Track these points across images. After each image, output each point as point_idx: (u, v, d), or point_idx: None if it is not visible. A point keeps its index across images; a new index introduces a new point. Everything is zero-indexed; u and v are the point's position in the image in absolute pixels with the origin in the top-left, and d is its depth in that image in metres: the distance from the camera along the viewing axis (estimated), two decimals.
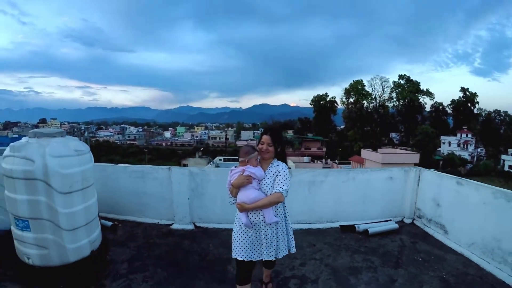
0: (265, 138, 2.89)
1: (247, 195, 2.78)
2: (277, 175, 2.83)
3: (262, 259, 2.93)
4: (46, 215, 3.40)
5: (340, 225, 5.45)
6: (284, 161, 2.98)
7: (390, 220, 5.57)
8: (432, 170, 5.66)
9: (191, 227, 5.37)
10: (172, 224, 5.44)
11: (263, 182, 2.84)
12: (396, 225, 5.38)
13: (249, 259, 2.87)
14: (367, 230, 5.13)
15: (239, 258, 2.88)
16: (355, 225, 5.28)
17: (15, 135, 60.48)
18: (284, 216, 3.04)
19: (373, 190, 5.69)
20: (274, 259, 2.90)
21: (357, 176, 5.68)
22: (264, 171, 2.88)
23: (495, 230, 4.09)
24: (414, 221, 5.72)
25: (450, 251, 4.60)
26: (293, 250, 3.10)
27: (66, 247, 3.54)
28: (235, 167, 2.96)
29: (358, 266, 4.15)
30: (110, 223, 5.19)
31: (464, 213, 4.65)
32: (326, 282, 3.74)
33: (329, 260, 4.32)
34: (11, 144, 3.54)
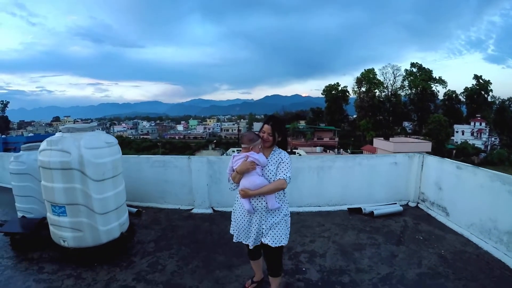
0: (266, 127, 2.92)
1: (251, 181, 2.82)
2: (280, 162, 2.89)
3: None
4: (82, 201, 3.83)
5: (347, 208, 5.83)
6: (285, 149, 3.05)
7: (395, 204, 5.90)
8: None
9: (209, 211, 5.81)
10: (192, 209, 5.89)
11: (266, 169, 2.89)
12: (401, 208, 5.72)
13: (253, 244, 2.95)
14: (372, 212, 5.49)
15: (244, 242, 3.03)
16: (362, 208, 5.64)
17: (31, 134, 61.85)
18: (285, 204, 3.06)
19: (379, 175, 6.03)
20: (274, 245, 2.88)
21: (363, 161, 6.03)
22: (266, 158, 2.93)
23: (492, 211, 4.36)
24: (419, 205, 6.04)
25: (450, 232, 4.91)
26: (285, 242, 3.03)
27: (99, 229, 3.98)
28: (238, 153, 2.99)
29: (363, 243, 4.53)
30: (134, 209, 5.65)
31: (464, 195, 4.95)
32: (333, 256, 4.13)
33: (337, 238, 4.71)
34: (47, 139, 3.99)
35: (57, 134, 4.05)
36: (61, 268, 3.94)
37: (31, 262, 4.15)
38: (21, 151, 5.14)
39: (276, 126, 2.92)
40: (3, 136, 45.13)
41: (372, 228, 5.06)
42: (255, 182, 2.80)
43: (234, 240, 3.08)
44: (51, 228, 4.12)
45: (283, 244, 2.93)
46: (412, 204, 6.07)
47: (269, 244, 2.88)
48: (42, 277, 3.77)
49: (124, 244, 4.37)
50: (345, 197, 6.00)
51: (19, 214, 5.08)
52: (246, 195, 2.83)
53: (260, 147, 2.93)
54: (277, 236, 2.89)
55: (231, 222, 3.13)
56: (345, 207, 5.87)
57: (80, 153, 3.72)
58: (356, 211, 5.70)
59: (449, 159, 5.46)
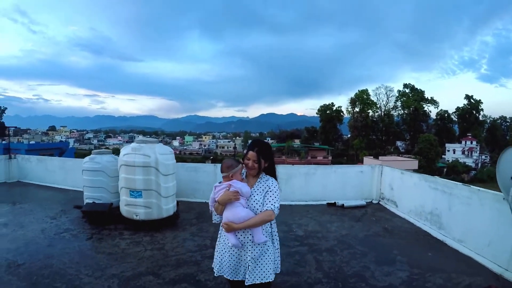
0: (251, 154, 2.66)
1: (235, 213, 2.57)
2: (267, 191, 2.66)
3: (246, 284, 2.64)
4: (154, 187, 5.96)
5: (326, 202, 8.09)
6: (274, 175, 2.80)
7: (362, 200, 8.15)
8: (388, 166, 8.23)
9: None
10: None
11: (252, 198, 2.64)
12: (364, 202, 8.03)
13: (235, 279, 2.70)
14: (343, 205, 7.78)
15: (225, 276, 2.72)
16: (336, 202, 7.91)
17: (32, 142, 63.15)
18: (271, 234, 2.79)
19: (349, 180, 8.35)
20: (260, 281, 2.61)
21: (337, 170, 8.39)
22: (252, 186, 2.69)
23: (421, 200, 6.56)
24: (380, 202, 8.29)
25: (396, 216, 7.16)
26: (278, 270, 2.85)
27: (163, 208, 6.10)
28: (219, 182, 2.77)
29: (333, 220, 6.81)
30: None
31: (405, 192, 7.23)
32: (312, 225, 6.42)
33: (316, 217, 6.98)
34: (131, 146, 6.16)
35: (134, 145, 6.18)
36: (137, 232, 5.93)
37: (110, 230, 6.07)
38: (92, 155, 7.14)
39: (261, 152, 2.68)
40: (4, 142, 46.71)
41: (341, 213, 7.34)
42: (239, 215, 2.56)
43: (215, 274, 2.78)
44: (125, 207, 6.15)
45: (269, 280, 2.65)
46: (375, 201, 8.33)
47: (255, 281, 2.61)
48: (125, 237, 5.72)
49: (176, 219, 6.54)
50: (325, 195, 8.27)
51: (89, 201, 6.85)
52: (230, 229, 2.57)
53: (241, 173, 2.77)
54: (262, 271, 2.63)
55: (215, 254, 2.84)
56: (324, 202, 8.15)
57: (156, 157, 5.91)
58: (332, 205, 7.97)
59: (397, 169, 7.74)
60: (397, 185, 7.56)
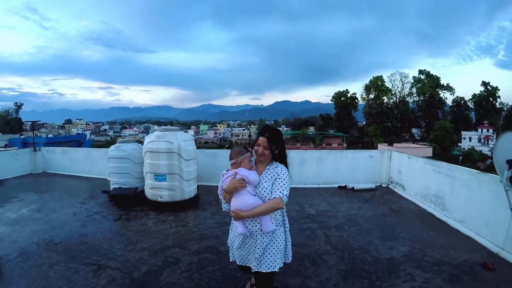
0: (262, 140, 2.60)
1: (242, 201, 2.55)
2: (275, 179, 2.61)
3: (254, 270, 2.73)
4: (177, 171, 6.48)
5: (337, 186, 8.53)
6: (284, 163, 2.74)
7: (371, 184, 8.56)
8: (397, 152, 8.62)
9: None
10: None
11: (260, 186, 2.60)
12: (373, 185, 8.45)
13: (244, 264, 2.80)
14: (353, 188, 8.21)
15: (237, 262, 2.85)
16: (346, 185, 8.35)
17: (51, 135, 64.92)
18: (283, 224, 2.80)
19: (359, 164, 8.77)
20: (267, 271, 2.65)
21: (348, 154, 8.81)
22: (261, 174, 2.67)
23: (426, 183, 6.91)
24: (389, 185, 8.67)
25: (403, 199, 7.54)
26: (289, 259, 2.88)
27: (185, 190, 6.64)
28: (227, 170, 2.76)
29: (343, 201, 7.25)
30: None
31: (412, 175, 7.59)
32: (324, 206, 6.90)
33: (328, 199, 7.44)
34: (155, 134, 6.67)
35: (158, 133, 6.69)
36: (162, 213, 6.44)
37: (137, 211, 6.59)
38: (118, 143, 7.59)
39: (272, 138, 2.62)
40: (22, 136, 48.49)
41: (351, 196, 7.78)
42: (247, 203, 2.54)
43: (230, 259, 2.94)
44: (150, 190, 6.67)
45: (275, 270, 2.69)
46: (384, 185, 8.72)
47: (261, 270, 2.66)
48: (152, 217, 6.24)
49: (197, 201, 7.08)
50: (336, 178, 8.71)
51: (115, 186, 7.32)
52: (237, 217, 2.57)
53: (250, 161, 2.74)
54: (270, 260, 2.66)
55: (230, 233, 2.95)
56: (336, 185, 8.59)
57: (179, 143, 6.42)
58: (343, 188, 8.40)
59: (405, 153, 8.10)
60: (404, 169, 7.94)
